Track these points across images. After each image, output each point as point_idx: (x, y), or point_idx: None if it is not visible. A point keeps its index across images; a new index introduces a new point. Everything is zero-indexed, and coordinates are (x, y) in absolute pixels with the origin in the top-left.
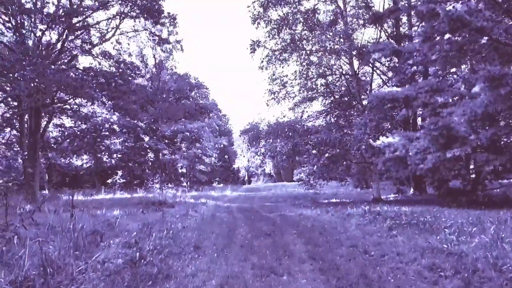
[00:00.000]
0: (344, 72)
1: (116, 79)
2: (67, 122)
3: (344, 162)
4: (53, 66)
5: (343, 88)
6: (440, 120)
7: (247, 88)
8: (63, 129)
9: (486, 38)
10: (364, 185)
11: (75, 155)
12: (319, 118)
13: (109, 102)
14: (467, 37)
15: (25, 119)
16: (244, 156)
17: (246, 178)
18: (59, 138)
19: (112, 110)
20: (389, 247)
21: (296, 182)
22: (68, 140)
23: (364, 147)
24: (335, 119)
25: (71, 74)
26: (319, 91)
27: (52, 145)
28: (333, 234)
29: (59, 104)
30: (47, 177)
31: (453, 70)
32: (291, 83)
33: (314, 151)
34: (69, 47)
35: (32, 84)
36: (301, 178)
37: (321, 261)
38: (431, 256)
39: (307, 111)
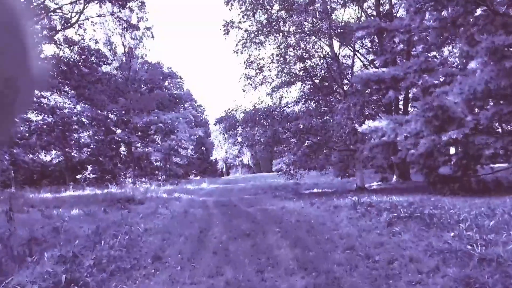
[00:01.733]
0: (323, 55)
1: (80, 67)
2: (33, 115)
3: (325, 151)
4: None
5: (323, 72)
6: (435, 100)
7: (223, 77)
8: (27, 123)
9: (482, 8)
10: (345, 174)
11: (43, 151)
12: (298, 104)
13: (72, 91)
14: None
15: None
16: (221, 148)
17: (224, 170)
18: (26, 133)
19: (77, 101)
20: (395, 249)
21: (275, 173)
22: (35, 135)
23: (347, 132)
24: (315, 104)
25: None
26: (298, 75)
27: (17, 140)
28: (322, 231)
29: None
30: (13, 174)
31: (441, 49)
32: (268, 67)
33: (293, 140)
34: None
35: None
36: (280, 169)
37: (314, 272)
38: (457, 263)
39: (285, 97)
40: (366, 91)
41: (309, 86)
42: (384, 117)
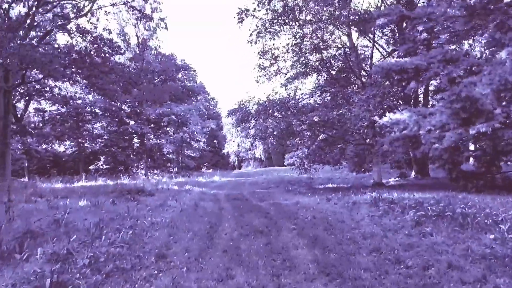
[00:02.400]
0: (341, 45)
1: (92, 56)
2: (47, 106)
3: (340, 145)
4: (19, 42)
5: (340, 63)
6: (463, 91)
7: (236, 71)
8: (41, 113)
9: None
10: (360, 169)
11: (57, 141)
12: (314, 96)
13: (84, 81)
14: None
15: None
16: (233, 141)
17: (236, 163)
18: (40, 123)
19: (89, 91)
20: (429, 252)
21: (287, 167)
22: (50, 125)
23: (365, 125)
24: (332, 96)
25: (40, 49)
26: (314, 66)
27: (31, 130)
28: (342, 230)
29: (34, 85)
30: (26, 164)
31: (467, 38)
32: (283, 57)
33: (308, 133)
34: (42, 23)
35: None
36: (292, 163)
37: (338, 277)
38: (507, 273)
39: (300, 89)
40: (386, 82)
41: (325, 77)
42: (406, 109)
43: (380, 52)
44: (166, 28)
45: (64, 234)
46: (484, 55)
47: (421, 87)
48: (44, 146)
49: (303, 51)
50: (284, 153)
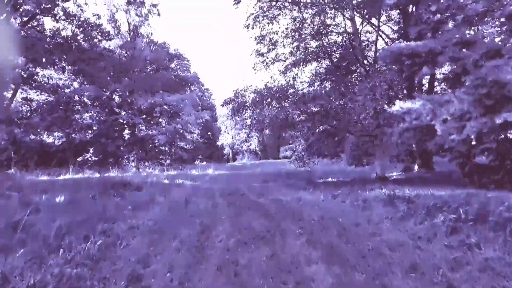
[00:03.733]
0: (343, 31)
1: (78, 41)
2: (35, 95)
3: (339, 137)
4: None
5: (342, 50)
6: (489, 74)
7: (232, 62)
8: (29, 102)
9: None
10: (360, 162)
11: (46, 132)
12: (314, 84)
13: (70, 67)
14: None
15: None
16: (228, 133)
17: (231, 155)
18: (27, 113)
19: (75, 78)
20: (488, 274)
21: (282, 160)
22: (39, 116)
23: (371, 115)
24: (333, 85)
25: (23, 33)
26: (314, 52)
27: (17, 120)
28: (360, 236)
29: (19, 72)
30: (13, 155)
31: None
32: (282, 42)
33: (308, 124)
34: (25, 5)
35: None
36: (287, 156)
37: None
38: None
39: (299, 76)
40: (395, 68)
41: (326, 65)
42: (418, 97)
43: (384, 40)
44: (159, 14)
45: (18, 244)
46: (500, 38)
47: (436, 72)
48: (33, 137)
49: (303, 36)
50: (279, 146)
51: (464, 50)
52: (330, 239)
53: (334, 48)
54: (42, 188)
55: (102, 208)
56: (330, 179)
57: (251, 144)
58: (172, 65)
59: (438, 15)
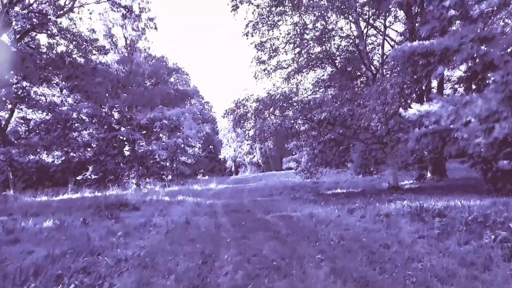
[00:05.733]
0: (346, 35)
1: (72, 56)
2: (32, 114)
3: (343, 146)
4: None
5: (346, 54)
6: None
7: (231, 73)
8: (26, 122)
9: None
10: (368, 171)
11: (45, 151)
12: (318, 91)
13: (64, 83)
14: None
15: None
16: (230, 146)
17: (233, 168)
18: (25, 133)
19: (69, 94)
20: None
21: (286, 171)
22: (37, 135)
23: (383, 120)
24: (339, 91)
25: (13, 49)
26: (318, 58)
27: (15, 140)
28: (396, 263)
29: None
30: (11, 176)
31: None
32: (284, 48)
33: (313, 133)
34: (16, 22)
35: None
36: (290, 167)
37: None
38: None
39: (303, 83)
40: (407, 69)
41: (330, 70)
42: (436, 98)
43: (389, 43)
44: (156, 28)
45: None
46: None
47: (452, 72)
48: (32, 157)
49: (305, 42)
50: (281, 157)
51: (482, 46)
52: (359, 267)
53: (338, 53)
54: (34, 211)
55: (89, 235)
56: (339, 190)
57: (254, 156)
58: (171, 79)
59: (452, 11)
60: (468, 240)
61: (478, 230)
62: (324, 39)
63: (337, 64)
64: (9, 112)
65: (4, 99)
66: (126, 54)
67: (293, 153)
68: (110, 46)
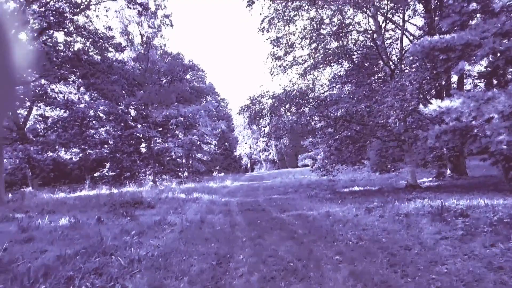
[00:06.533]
0: (364, 29)
1: (88, 53)
2: (50, 111)
3: (360, 143)
4: None
5: (364, 49)
6: None
7: (247, 69)
8: (44, 119)
9: None
10: (385, 169)
11: (63, 148)
12: (335, 87)
13: (80, 80)
14: None
15: None
16: (245, 143)
17: (249, 165)
18: (43, 130)
19: (85, 92)
20: None
21: (301, 168)
22: (55, 132)
23: (401, 117)
24: (356, 87)
25: (30, 47)
26: (335, 53)
27: (33, 137)
28: (419, 266)
29: (31, 88)
30: (30, 173)
31: None
32: (300, 43)
33: (329, 130)
34: (33, 20)
35: None
36: (306, 164)
37: None
38: None
39: (319, 79)
40: (426, 65)
41: (347, 66)
42: (457, 94)
43: (408, 37)
44: (172, 25)
45: None
46: None
47: (473, 67)
48: (50, 154)
49: (321, 37)
50: (297, 154)
51: (505, 41)
52: (380, 270)
53: (355, 48)
54: (50, 209)
55: (102, 235)
56: (356, 188)
57: (270, 153)
58: (187, 76)
59: (474, 4)
60: (495, 242)
61: (505, 231)
62: (341, 34)
63: (354, 59)
64: (27, 109)
65: (22, 96)
66: (142, 52)
67: (309, 150)
68: (126, 43)
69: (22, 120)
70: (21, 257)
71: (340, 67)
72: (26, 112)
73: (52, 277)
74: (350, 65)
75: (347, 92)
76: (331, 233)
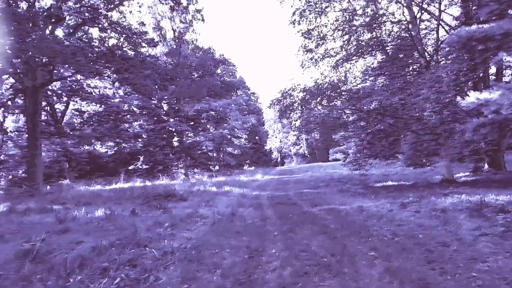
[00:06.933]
0: (398, 20)
1: (122, 49)
2: (86, 106)
3: (394, 136)
4: (40, 33)
5: (397, 41)
6: None
7: (278, 62)
8: (80, 114)
9: None
10: (419, 163)
11: (98, 142)
12: (368, 79)
13: (114, 75)
14: None
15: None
16: (276, 137)
17: (279, 159)
18: (79, 125)
19: (119, 87)
20: None
21: (332, 163)
22: (91, 127)
23: (437, 110)
24: (388, 80)
25: (66, 43)
26: (368, 45)
27: (70, 131)
28: (458, 263)
29: (68, 83)
30: (67, 165)
31: None
32: (332, 35)
33: (362, 123)
34: (68, 16)
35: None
36: (337, 158)
37: None
38: None
39: (351, 71)
40: (463, 56)
41: (381, 57)
42: (496, 86)
43: (443, 28)
44: (203, 20)
45: (22, 282)
46: None
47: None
48: (86, 147)
49: (354, 28)
50: (328, 148)
51: None
52: (416, 267)
53: (389, 39)
54: (87, 201)
55: (136, 226)
56: (389, 183)
57: (301, 146)
58: (218, 71)
59: None
60: None
61: None
62: (374, 25)
63: (388, 51)
64: (65, 104)
65: (59, 92)
66: (174, 47)
67: (340, 144)
68: (159, 38)
69: (60, 114)
70: (58, 248)
71: (373, 59)
72: (63, 107)
73: (88, 268)
74: (384, 56)
75: (381, 85)
76: (364, 228)
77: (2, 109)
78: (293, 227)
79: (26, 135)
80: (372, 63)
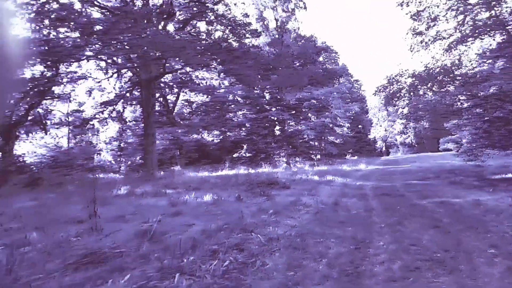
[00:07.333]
0: None
1: (227, 41)
2: (193, 97)
3: None
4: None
5: None
6: None
7: (384, 48)
8: (189, 104)
9: None
10: None
11: (206, 131)
12: (485, 63)
13: (220, 67)
14: None
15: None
16: (380, 125)
17: (384, 149)
18: (188, 115)
19: (224, 77)
20: None
21: (442, 153)
22: (198, 116)
23: None
24: (509, 62)
25: (177, 37)
26: (486, 25)
27: (180, 121)
28: None
29: (179, 76)
30: (178, 153)
31: None
32: (444, 16)
33: (478, 110)
34: (179, 11)
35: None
36: (448, 148)
37: None
38: None
39: (466, 54)
40: None
41: (501, 38)
42: None
43: None
44: (305, 8)
45: (140, 260)
46: None
47: None
48: (195, 136)
49: (469, 7)
50: (438, 137)
51: None
52: None
53: (511, 18)
54: (196, 186)
55: (242, 212)
56: (510, 175)
57: (408, 136)
58: (320, 59)
59: None
60: None
61: None
62: (493, 2)
63: (509, 30)
64: (176, 95)
65: (171, 84)
66: (277, 36)
67: (453, 133)
68: (261, 29)
69: (171, 105)
70: (172, 229)
71: (492, 40)
72: (174, 98)
73: (199, 249)
74: (504, 37)
75: (500, 68)
76: (481, 224)
77: (122, 100)
78: (401, 219)
79: (142, 125)
80: (490, 45)
